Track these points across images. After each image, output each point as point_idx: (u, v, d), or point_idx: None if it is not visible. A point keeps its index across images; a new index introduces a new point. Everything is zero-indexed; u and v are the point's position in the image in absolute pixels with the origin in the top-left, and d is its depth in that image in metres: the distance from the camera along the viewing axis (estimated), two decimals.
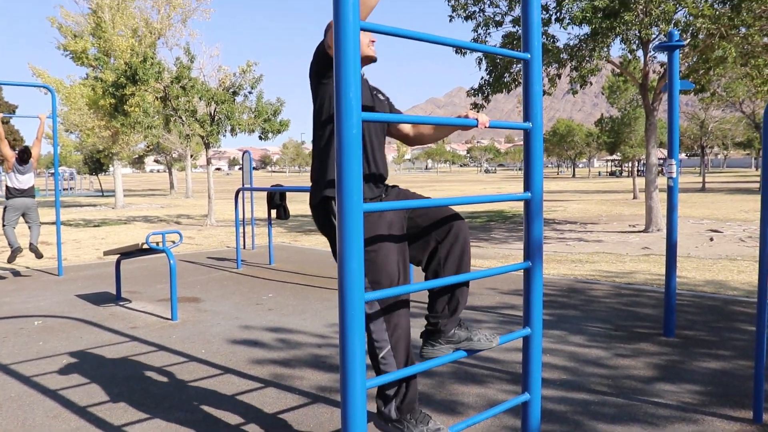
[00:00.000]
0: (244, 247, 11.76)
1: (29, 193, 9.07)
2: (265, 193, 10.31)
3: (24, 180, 9.00)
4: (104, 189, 47.24)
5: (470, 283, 2.93)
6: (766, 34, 12.59)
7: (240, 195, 10.35)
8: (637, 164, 35.02)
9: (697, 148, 44.53)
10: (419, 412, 2.73)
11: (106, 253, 7.30)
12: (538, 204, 2.49)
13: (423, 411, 2.76)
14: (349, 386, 1.92)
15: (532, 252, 2.53)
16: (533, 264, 2.54)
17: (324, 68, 2.71)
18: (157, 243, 6.57)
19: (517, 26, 14.44)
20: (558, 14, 13.61)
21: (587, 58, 13.81)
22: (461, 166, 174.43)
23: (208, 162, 18.31)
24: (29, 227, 9.14)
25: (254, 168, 13.63)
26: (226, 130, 17.30)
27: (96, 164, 45.08)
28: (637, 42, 13.66)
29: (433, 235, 2.81)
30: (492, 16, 14.80)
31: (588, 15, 12.27)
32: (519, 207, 22.91)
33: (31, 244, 8.97)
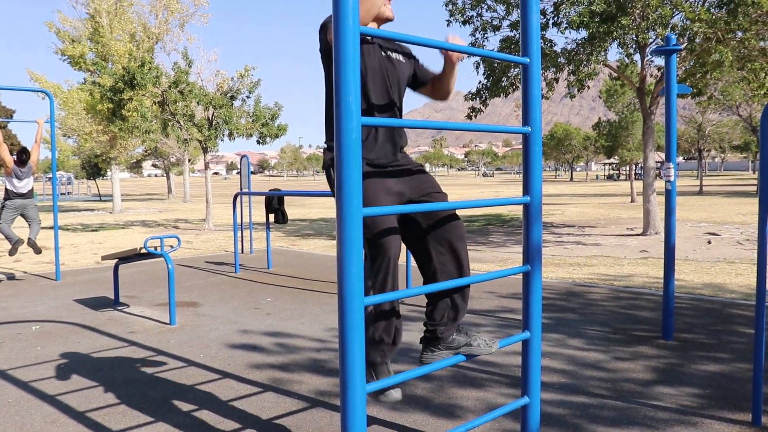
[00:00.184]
0: (242, 252, 11.75)
1: (28, 195, 9.10)
2: (263, 198, 10.30)
3: (23, 184, 9.01)
4: (102, 193, 47.19)
5: (469, 287, 2.93)
6: (762, 38, 12.63)
7: (238, 199, 10.34)
8: (634, 168, 35.08)
9: (694, 152, 44.63)
10: (382, 364, 2.74)
11: (104, 258, 7.29)
12: (537, 208, 2.50)
13: (386, 366, 2.75)
14: (348, 391, 1.92)
15: (531, 256, 2.54)
16: (532, 268, 2.54)
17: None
18: (156, 247, 6.57)
19: (514, 30, 14.48)
20: (555, 18, 13.65)
21: (585, 63, 13.85)
22: (459, 170, 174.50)
23: (206, 166, 18.31)
24: (29, 225, 9.16)
25: (252, 172, 13.66)
26: (224, 135, 17.30)
27: (94, 169, 45.03)
28: (634, 46, 13.70)
29: (431, 242, 2.81)
30: (490, 20, 14.84)
31: (585, 19, 12.30)
32: (517, 211, 22.93)
33: (29, 239, 8.99)
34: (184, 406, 3.95)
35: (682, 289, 7.55)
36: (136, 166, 56.44)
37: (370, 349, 2.65)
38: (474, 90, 15.62)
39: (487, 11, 14.82)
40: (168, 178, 47.18)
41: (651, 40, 13.32)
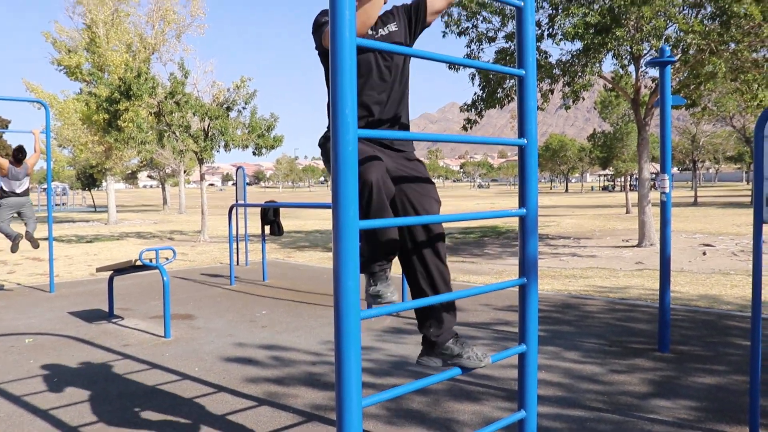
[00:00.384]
0: (238, 264, 11.72)
1: (24, 194, 9.09)
2: (258, 209, 10.28)
3: (19, 183, 9.00)
4: (97, 204, 47.08)
5: (466, 299, 2.93)
6: (755, 50, 12.71)
7: (233, 211, 10.32)
8: (629, 179, 35.18)
9: (688, 163, 44.78)
10: (381, 271, 2.72)
11: (99, 270, 7.26)
12: (533, 220, 2.49)
13: (385, 272, 2.73)
14: (344, 405, 1.90)
15: (527, 269, 2.53)
16: (528, 281, 2.53)
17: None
18: (151, 259, 6.54)
19: (509, 42, 14.53)
20: (550, 30, 13.71)
21: (580, 74, 13.90)
22: (454, 181, 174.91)
23: (202, 178, 18.29)
24: (25, 222, 9.14)
25: (248, 183, 13.64)
26: (219, 146, 17.30)
27: (89, 179, 44.93)
28: (628, 57, 13.76)
29: (415, 253, 2.81)
30: (485, 31, 14.90)
31: (580, 31, 12.36)
32: (513, 222, 22.94)
33: (27, 232, 8.99)
34: (179, 421, 3.92)
35: (678, 300, 7.55)
36: (131, 177, 56.31)
37: (367, 262, 2.69)
38: (469, 101, 15.66)
39: (482, 23, 14.88)
40: (163, 189, 47.10)
41: (645, 52, 13.39)
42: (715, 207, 31.56)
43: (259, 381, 4.69)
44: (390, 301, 2.63)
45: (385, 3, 2.74)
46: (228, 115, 17.39)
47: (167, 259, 6.81)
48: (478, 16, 14.75)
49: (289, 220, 26.81)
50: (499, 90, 14.99)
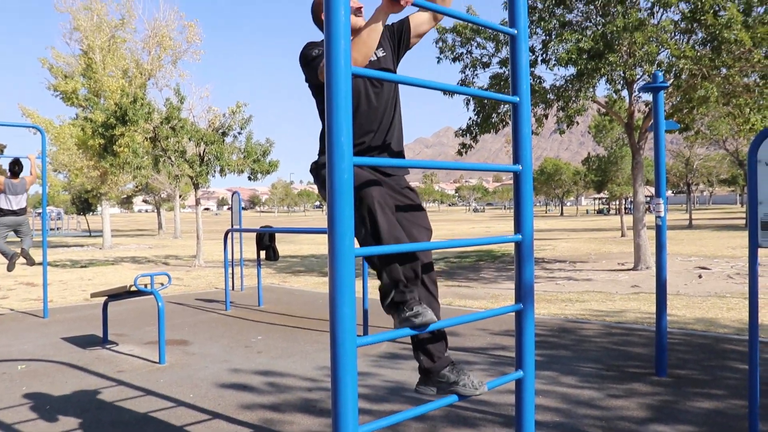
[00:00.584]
0: (233, 289, 11.67)
1: (21, 212, 9.04)
2: (254, 234, 10.27)
3: (16, 200, 8.96)
4: (92, 229, 46.96)
5: (462, 324, 2.92)
6: (746, 75, 12.85)
7: (229, 236, 10.31)
8: (624, 202, 35.31)
9: (683, 186, 45.00)
10: (411, 300, 2.65)
11: (93, 295, 7.22)
12: (528, 246, 2.49)
13: (416, 299, 2.67)
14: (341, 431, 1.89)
15: (524, 294, 2.52)
16: (525, 306, 2.52)
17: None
18: (146, 285, 6.51)
19: (504, 67, 14.66)
20: (544, 56, 13.85)
21: (573, 99, 14.02)
22: (450, 205, 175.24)
23: (197, 202, 18.29)
24: (21, 239, 9.09)
25: (243, 208, 13.63)
26: (215, 171, 17.33)
27: (84, 204, 44.90)
28: (621, 82, 13.90)
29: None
30: (479, 57, 15.04)
31: (573, 56, 12.49)
32: (508, 246, 22.96)
33: (22, 249, 8.92)
34: None
35: (675, 324, 7.53)
36: (126, 202, 56.31)
37: (394, 292, 2.63)
38: (464, 126, 15.75)
39: (476, 48, 15.03)
40: (158, 213, 47.09)
41: (638, 76, 13.52)
42: (709, 230, 31.65)
43: (255, 407, 4.64)
44: (430, 320, 2.52)
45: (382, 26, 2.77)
46: (224, 140, 17.44)
47: (162, 284, 6.78)
48: (473, 42, 14.90)
49: (284, 245, 26.77)
50: (494, 115, 15.10)
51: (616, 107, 16.97)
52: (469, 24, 14.38)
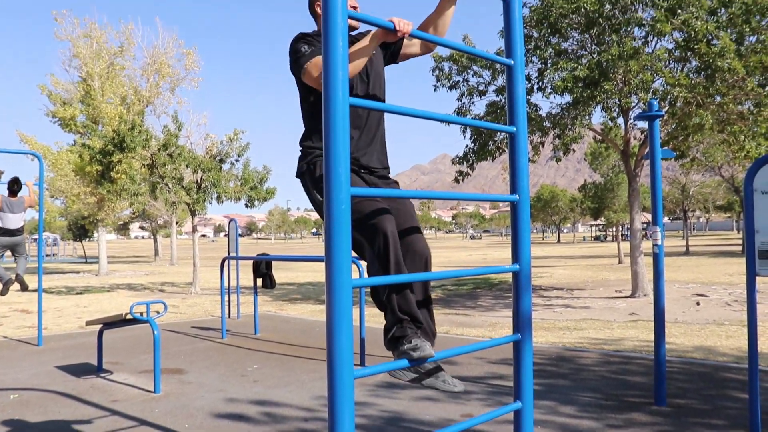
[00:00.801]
0: (229, 316, 11.60)
1: (18, 232, 8.99)
2: (250, 261, 10.25)
3: (14, 220, 8.91)
4: (88, 255, 46.80)
5: (459, 354, 2.90)
6: (740, 103, 12.95)
7: (225, 263, 10.27)
8: (621, 229, 35.36)
9: (679, 212, 45.13)
10: (410, 334, 2.66)
11: (88, 323, 7.17)
12: (526, 276, 2.48)
13: (415, 333, 2.67)
14: None
15: (522, 324, 2.51)
16: (523, 336, 2.51)
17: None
18: (141, 313, 6.47)
19: (500, 95, 14.76)
20: (540, 84, 13.96)
21: (570, 126, 14.10)
22: (447, 232, 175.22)
23: (194, 229, 18.26)
24: (16, 260, 9.04)
25: (240, 235, 13.63)
26: (212, 198, 17.34)
27: (80, 230, 44.81)
28: (617, 110, 13.99)
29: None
30: (476, 85, 15.15)
31: (569, 84, 12.59)
32: (505, 274, 22.89)
33: (17, 275, 8.86)
34: None
35: (673, 352, 7.49)
36: (123, 228, 56.24)
37: (396, 326, 2.66)
38: (461, 154, 15.80)
39: (473, 77, 15.15)
40: (155, 240, 46.99)
41: (633, 104, 13.62)
42: (707, 256, 31.67)
43: None
44: (428, 354, 2.50)
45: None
46: (221, 167, 17.49)
47: (158, 312, 6.73)
48: (469, 71, 15.02)
49: (281, 272, 26.69)
50: (491, 142, 15.16)
51: (612, 134, 17.07)
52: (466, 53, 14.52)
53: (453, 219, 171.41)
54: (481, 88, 15.12)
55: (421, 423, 4.75)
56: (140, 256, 55.02)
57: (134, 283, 22.38)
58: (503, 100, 14.55)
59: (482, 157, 15.25)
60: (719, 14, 12.46)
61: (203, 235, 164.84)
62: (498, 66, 14.46)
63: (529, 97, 14.33)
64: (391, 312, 2.69)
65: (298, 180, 3.10)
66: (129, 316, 6.55)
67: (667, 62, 13.15)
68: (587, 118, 13.86)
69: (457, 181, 16.54)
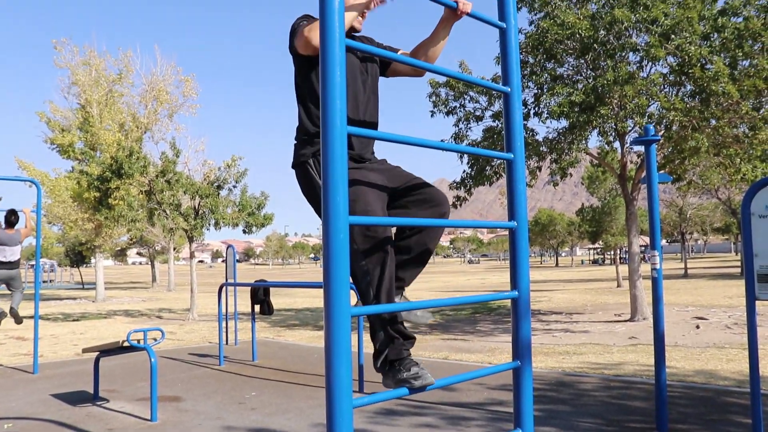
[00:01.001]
0: (227, 343, 11.53)
1: (14, 265, 8.95)
2: (248, 287, 10.22)
3: (10, 252, 8.88)
4: (85, 281, 46.62)
5: (459, 382, 2.86)
6: (735, 126, 13.05)
7: (223, 289, 10.24)
8: (619, 252, 35.36)
9: (677, 235, 45.18)
10: (406, 359, 2.62)
11: (85, 351, 7.12)
12: (525, 302, 2.47)
13: (411, 359, 2.63)
14: None
15: (521, 351, 2.49)
16: (522, 363, 2.49)
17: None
18: (138, 340, 6.43)
19: (497, 121, 14.85)
20: (536, 109, 14.06)
21: (566, 151, 14.17)
22: (445, 257, 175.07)
23: (192, 255, 18.22)
24: (11, 293, 8.99)
25: (237, 260, 13.62)
26: (209, 224, 17.32)
27: (78, 256, 44.71)
28: (613, 134, 14.08)
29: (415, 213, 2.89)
30: (472, 111, 15.23)
31: (565, 109, 12.67)
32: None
33: (11, 308, 8.80)
34: None
35: (674, 377, 7.45)
36: (120, 254, 56.15)
37: (390, 352, 2.63)
38: (458, 179, 15.84)
39: (469, 102, 15.24)
40: (152, 266, 46.87)
41: (629, 128, 13.71)
42: (705, 279, 31.63)
43: None
44: (430, 383, 2.48)
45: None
46: (218, 193, 17.50)
47: (155, 339, 6.69)
48: (466, 96, 15.12)
49: (279, 298, 26.59)
50: (488, 167, 15.22)
51: (608, 158, 17.15)
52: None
53: (451, 243, 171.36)
54: (477, 113, 15.21)
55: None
56: (138, 282, 54.82)
57: (131, 310, 22.27)
58: (500, 126, 14.63)
59: (480, 182, 15.29)
60: (712, 39, 12.61)
61: (201, 261, 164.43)
62: (495, 92, 14.56)
63: (525, 122, 14.41)
64: (381, 327, 2.65)
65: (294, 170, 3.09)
66: (126, 344, 6.50)
67: (662, 86, 13.27)
68: (584, 142, 13.94)
69: (455, 206, 16.55)
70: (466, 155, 15.54)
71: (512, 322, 2.53)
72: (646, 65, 13.31)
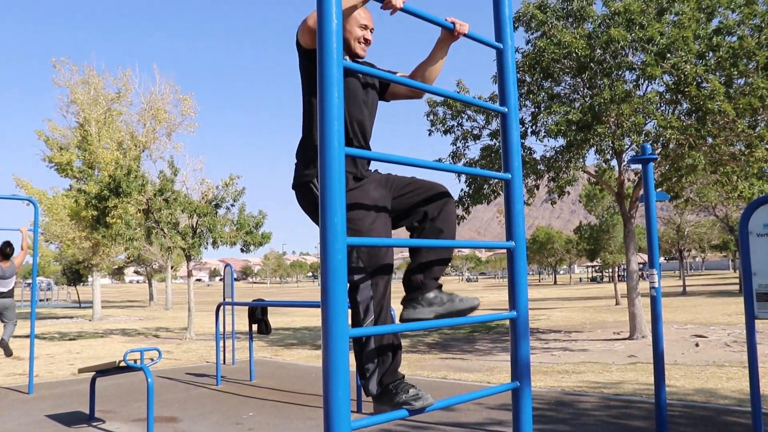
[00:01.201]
0: (224, 362, 11.46)
1: (8, 294, 8.92)
2: (246, 306, 10.17)
3: (4, 284, 8.85)
4: (82, 300, 46.42)
5: (455, 394, 2.83)
6: (731, 144, 13.09)
7: (221, 308, 10.19)
8: (617, 270, 35.33)
9: (675, 252, 45.18)
10: (401, 380, 2.60)
11: (81, 371, 7.07)
12: (524, 323, 2.46)
13: (405, 380, 2.62)
14: None
15: (520, 372, 2.48)
16: (521, 384, 2.47)
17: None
18: (135, 360, 6.39)
19: (495, 139, 14.89)
20: (534, 127, 14.11)
21: (564, 169, 14.21)
22: (443, 275, 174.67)
23: (189, 274, 18.17)
24: (4, 324, 8.94)
25: (235, 279, 13.57)
26: (207, 243, 17.29)
27: (74, 275, 44.55)
28: (610, 152, 14.11)
29: (421, 207, 2.88)
30: (470, 129, 15.28)
31: (562, 128, 12.72)
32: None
33: (2, 340, 8.74)
34: None
35: (674, 395, 7.41)
36: (118, 273, 55.99)
37: (384, 375, 2.62)
38: (456, 198, 15.86)
39: (467, 121, 15.29)
40: (150, 284, 46.72)
41: (626, 146, 13.76)
42: (704, 296, 31.59)
43: None
44: (430, 403, 2.47)
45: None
46: (216, 212, 17.49)
47: (152, 360, 6.65)
48: (463, 115, 15.18)
49: (276, 317, 26.49)
50: (486, 186, 15.23)
51: (606, 176, 17.18)
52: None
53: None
54: (475, 132, 15.26)
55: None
56: (135, 300, 54.63)
57: (128, 329, 22.15)
58: (497, 144, 14.67)
59: (477, 201, 15.30)
60: (707, 58, 12.69)
61: (198, 280, 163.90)
62: (492, 111, 14.62)
63: (522, 140, 14.46)
64: (376, 347, 2.62)
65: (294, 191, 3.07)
66: (122, 364, 6.47)
67: (659, 105, 13.33)
68: (581, 160, 13.98)
69: None
70: (463, 174, 15.56)
71: (511, 342, 2.51)
72: (642, 84, 13.39)
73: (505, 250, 2.50)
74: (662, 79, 12.87)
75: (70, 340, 17.98)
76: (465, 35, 2.71)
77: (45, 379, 10.28)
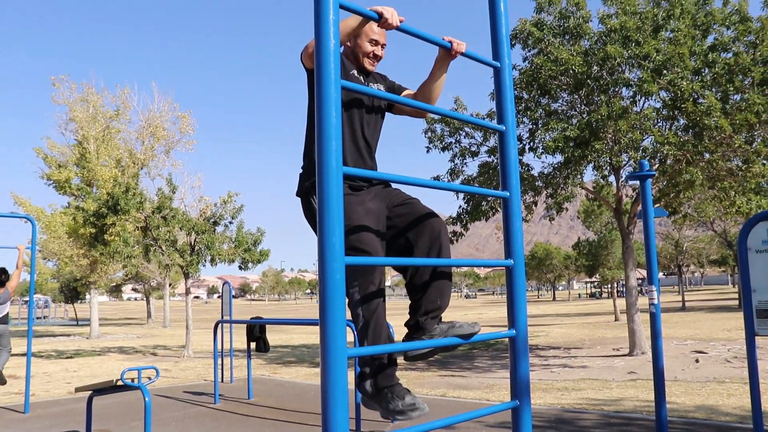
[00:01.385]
0: (222, 381, 11.40)
1: (3, 320, 8.87)
2: (244, 323, 10.14)
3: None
4: (79, 317, 46.21)
5: (455, 412, 2.83)
6: (729, 159, 13.13)
7: (219, 326, 10.15)
8: (616, 285, 35.29)
9: (673, 267, 45.14)
10: (397, 385, 2.62)
11: (78, 390, 7.02)
12: (523, 341, 2.45)
13: (401, 385, 2.63)
14: None
15: (520, 390, 2.46)
16: (521, 403, 2.46)
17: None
18: (133, 379, 6.34)
19: (492, 156, 14.92)
20: (531, 144, 14.15)
21: (562, 185, 14.23)
22: None
23: (187, 292, 18.11)
24: None
25: (233, 296, 13.53)
26: (205, 260, 17.26)
27: (72, 292, 44.37)
28: (608, 168, 14.14)
29: (411, 237, 2.86)
30: (468, 146, 15.31)
31: (560, 144, 12.75)
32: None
33: None
34: None
35: (675, 412, 7.37)
36: (115, 290, 55.79)
37: (379, 377, 2.64)
38: (454, 215, 15.85)
39: (465, 138, 15.33)
40: (148, 302, 46.53)
41: (624, 162, 13.79)
42: (703, 311, 31.53)
43: None
44: (426, 411, 2.53)
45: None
46: (215, 229, 17.47)
47: (150, 378, 6.61)
48: (461, 132, 15.22)
49: (275, 334, 26.39)
50: (484, 203, 15.24)
51: (603, 192, 17.20)
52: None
53: None
54: (473, 149, 15.29)
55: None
56: (132, 318, 54.40)
57: (126, 347, 22.05)
58: (495, 161, 14.69)
59: (476, 218, 15.30)
60: (704, 74, 12.77)
61: (196, 297, 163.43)
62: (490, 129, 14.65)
63: (520, 157, 14.49)
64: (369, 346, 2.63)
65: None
66: (120, 383, 6.42)
67: (656, 121, 13.39)
68: (579, 176, 14.00)
69: (451, 241, 16.49)
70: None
71: (510, 361, 2.50)
72: (639, 100, 13.44)
73: (503, 268, 2.49)
74: (659, 95, 12.93)
75: (67, 358, 17.89)
76: (462, 54, 2.73)
77: (41, 398, 10.21)
